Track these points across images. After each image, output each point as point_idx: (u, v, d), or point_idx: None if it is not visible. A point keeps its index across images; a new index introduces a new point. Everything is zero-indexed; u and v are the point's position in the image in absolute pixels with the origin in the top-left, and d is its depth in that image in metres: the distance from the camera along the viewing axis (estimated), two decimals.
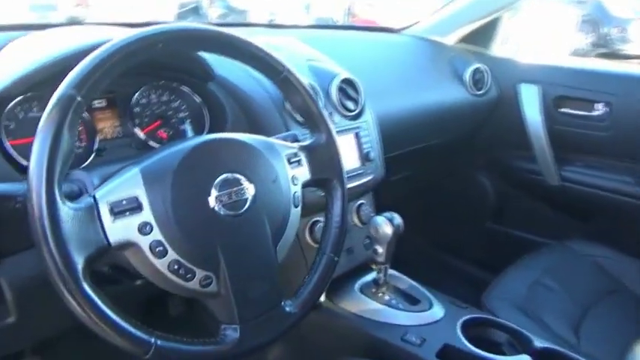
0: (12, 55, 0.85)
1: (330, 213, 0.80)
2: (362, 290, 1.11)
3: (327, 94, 1.12)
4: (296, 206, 0.74)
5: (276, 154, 0.73)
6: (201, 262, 0.62)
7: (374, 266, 1.10)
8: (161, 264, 0.60)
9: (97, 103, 0.92)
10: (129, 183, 0.60)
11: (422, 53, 1.73)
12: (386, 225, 1.01)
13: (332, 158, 0.80)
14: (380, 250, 1.04)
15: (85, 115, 0.89)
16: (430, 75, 1.65)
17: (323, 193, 0.83)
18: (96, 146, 0.90)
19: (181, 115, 1.03)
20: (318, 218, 1.11)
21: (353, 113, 1.16)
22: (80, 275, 0.53)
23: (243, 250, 0.65)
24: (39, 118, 0.87)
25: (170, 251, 0.60)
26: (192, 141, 0.65)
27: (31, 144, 0.86)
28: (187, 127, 1.00)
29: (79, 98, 0.55)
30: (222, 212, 0.63)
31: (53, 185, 0.52)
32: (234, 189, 0.65)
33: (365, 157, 1.17)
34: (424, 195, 2.01)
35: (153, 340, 0.58)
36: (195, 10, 6.33)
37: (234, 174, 0.66)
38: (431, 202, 2.05)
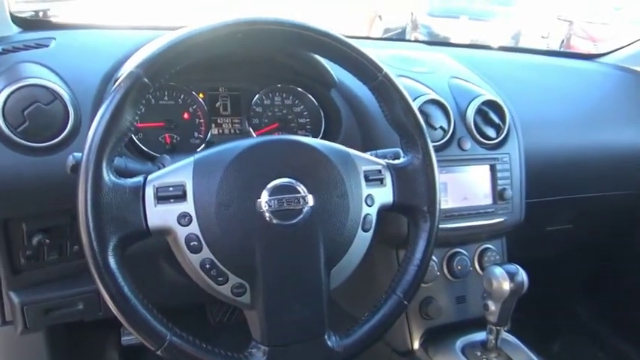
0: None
1: (411, 247, 0.68)
2: (464, 350, 0.93)
3: (463, 116, 0.98)
4: (366, 230, 0.63)
5: (351, 167, 0.64)
6: (236, 267, 0.57)
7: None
8: (194, 259, 0.57)
9: (221, 100, 0.96)
10: (180, 170, 0.58)
11: (617, 84, 1.42)
12: (503, 278, 0.83)
13: (425, 183, 0.67)
14: (492, 307, 0.86)
15: (207, 107, 0.93)
16: (623, 110, 1.34)
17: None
18: (208, 138, 0.92)
19: (301, 120, 1.01)
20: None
21: (492, 142, 0.99)
22: (109, 251, 0.53)
23: (285, 266, 0.58)
24: (169, 106, 0.97)
25: (205, 248, 0.56)
26: (254, 139, 0.61)
27: (155, 128, 0.96)
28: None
29: (145, 79, 0.56)
30: (269, 219, 0.57)
31: (103, 156, 0.53)
32: (289, 196, 0.58)
33: (499, 195, 0.99)
34: (592, 255, 1.64)
35: (168, 335, 0.55)
36: (401, 35, 6.44)
37: (291, 180, 0.59)
38: (602, 265, 1.66)
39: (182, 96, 0.92)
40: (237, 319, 1.39)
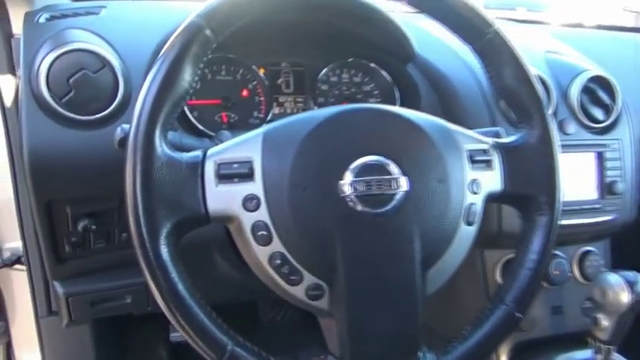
0: None
1: (524, 246, 0.54)
2: None
3: (565, 95, 0.83)
4: (469, 223, 0.51)
5: (452, 145, 0.51)
6: (312, 264, 0.46)
7: (591, 342, 0.76)
8: (262, 253, 0.46)
9: (283, 76, 0.85)
10: (247, 144, 0.48)
11: None
12: (620, 288, 0.68)
13: (544, 167, 0.54)
14: (605, 322, 0.71)
15: (268, 84, 0.83)
16: None
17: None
18: (269, 117, 0.82)
19: (371, 99, 0.89)
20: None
21: (600, 125, 0.84)
22: (162, 239, 0.43)
23: (373, 264, 0.47)
24: (226, 82, 0.88)
25: (275, 240, 0.46)
26: (335, 108, 0.50)
27: (211, 106, 0.87)
28: None
29: (207, 32, 0.46)
30: (355, 205, 0.46)
31: (156, 123, 0.44)
32: (378, 178, 0.47)
33: (607, 189, 0.83)
34: None
35: (229, 345, 0.45)
36: None
37: (382, 158, 0.47)
38: None
39: (241, 71, 0.83)
40: (290, 318, 1.29)
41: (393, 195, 0.47)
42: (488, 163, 0.53)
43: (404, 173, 0.48)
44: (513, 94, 0.55)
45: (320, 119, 0.48)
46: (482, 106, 0.78)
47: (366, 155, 0.47)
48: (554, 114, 0.81)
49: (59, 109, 0.60)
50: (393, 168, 0.48)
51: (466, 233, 0.51)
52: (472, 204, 0.51)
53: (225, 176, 0.46)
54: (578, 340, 0.84)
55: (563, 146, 0.81)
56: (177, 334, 1.09)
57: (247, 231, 0.46)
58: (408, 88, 0.85)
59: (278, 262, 0.46)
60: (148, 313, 0.80)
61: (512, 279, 0.54)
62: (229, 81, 0.83)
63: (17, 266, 0.93)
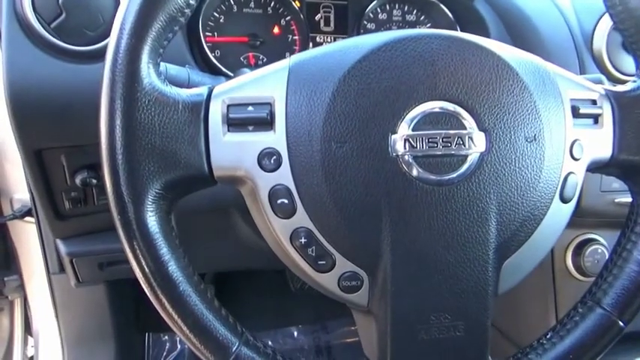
0: None
1: (634, 235, 0.41)
2: None
3: None
4: (565, 200, 0.37)
5: (551, 91, 0.37)
6: (348, 246, 0.34)
7: None
8: (282, 228, 0.35)
9: (322, 11, 0.72)
10: (266, 79, 0.35)
11: None
12: None
13: None
14: None
15: (304, 20, 0.69)
16: None
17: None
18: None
19: None
20: (596, 237, 0.69)
21: None
22: (148, 203, 0.32)
23: (432, 250, 0.35)
24: (255, 16, 0.75)
25: (300, 211, 0.34)
26: (387, 34, 0.36)
27: (236, 45, 0.74)
28: None
29: None
30: (410, 169, 0.33)
31: (142, 42, 0.32)
32: (446, 133, 0.34)
33: None
34: None
35: (237, 344, 0.34)
36: None
37: (451, 105, 0.34)
38: None
39: (272, 3, 0.69)
40: None
41: (465, 157, 0.34)
42: (596, 119, 0.39)
43: (481, 128, 0.35)
44: (638, 19, 0.39)
45: (367, 49, 0.35)
46: (570, 52, 0.63)
47: (429, 100, 0.34)
48: None
49: (47, 35, 0.49)
50: (467, 120, 0.34)
51: (560, 212, 0.38)
52: (571, 173, 0.37)
53: (236, 122, 0.34)
54: None
55: None
56: None
57: (264, 198, 0.34)
58: (474, 29, 0.70)
59: (303, 240, 0.34)
60: None
61: (615, 276, 0.40)
62: (259, 15, 0.70)
63: (28, 218, 0.86)
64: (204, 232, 0.68)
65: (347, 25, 0.72)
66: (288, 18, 0.70)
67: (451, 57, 0.35)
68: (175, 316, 0.33)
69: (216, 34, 0.68)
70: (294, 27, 0.71)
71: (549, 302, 0.70)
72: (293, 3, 0.70)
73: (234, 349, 0.34)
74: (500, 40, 0.67)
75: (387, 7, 0.73)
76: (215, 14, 0.68)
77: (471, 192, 0.34)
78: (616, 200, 0.64)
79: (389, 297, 0.34)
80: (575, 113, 0.38)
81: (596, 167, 0.40)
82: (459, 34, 0.37)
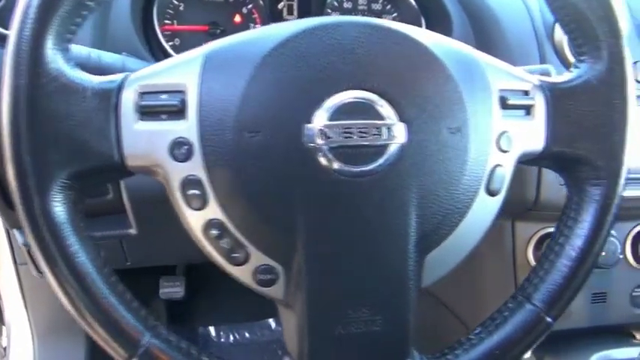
0: None
1: (567, 228, 0.40)
2: None
3: None
4: (492, 193, 0.36)
5: (477, 81, 0.36)
6: (262, 239, 0.34)
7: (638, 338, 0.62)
8: (195, 220, 0.34)
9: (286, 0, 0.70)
10: (181, 66, 0.34)
11: None
12: None
13: (607, 120, 0.38)
14: None
15: (266, 7, 0.68)
16: None
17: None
18: None
19: None
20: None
21: None
22: (53, 193, 0.32)
23: (348, 243, 0.34)
24: (216, 4, 0.73)
25: (212, 203, 0.33)
26: (306, 20, 0.35)
27: (196, 34, 0.73)
28: None
29: None
30: (326, 160, 0.33)
31: (47, 27, 0.31)
32: (364, 123, 0.33)
33: None
34: None
35: (147, 337, 0.33)
36: None
37: (371, 95, 0.33)
38: None
39: None
40: None
41: (383, 148, 0.33)
42: (527, 110, 0.38)
43: (401, 118, 0.34)
44: (575, 10, 0.38)
45: (283, 37, 0.34)
46: (531, 41, 0.61)
47: (347, 90, 0.33)
48: None
49: None
50: (387, 109, 0.33)
51: (486, 206, 0.37)
52: (498, 166, 0.37)
53: (148, 110, 0.33)
54: (623, 334, 0.71)
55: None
56: (168, 291, 1.02)
57: (175, 188, 0.33)
58: (437, 18, 0.68)
59: (215, 232, 0.33)
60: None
61: (547, 271, 0.40)
62: (220, 3, 0.69)
63: None
64: (169, 221, 0.67)
65: (310, 13, 0.71)
66: (250, 6, 0.69)
67: (372, 45, 0.34)
68: (82, 308, 0.33)
69: (175, 22, 0.67)
70: (255, 15, 0.69)
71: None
72: None
73: (143, 341, 0.33)
74: (461, 29, 0.67)
75: None
76: (175, 2, 0.67)
77: (390, 184, 0.34)
78: None
79: (304, 291, 0.34)
80: (504, 104, 0.37)
81: (528, 160, 0.39)
82: (382, 21, 0.36)
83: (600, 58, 0.38)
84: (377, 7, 0.73)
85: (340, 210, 0.33)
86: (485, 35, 0.64)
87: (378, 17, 0.72)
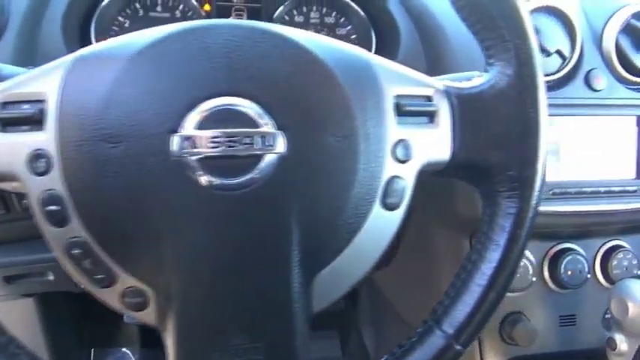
0: None
1: (479, 243, 0.36)
2: None
3: (597, 37, 0.62)
4: (389, 206, 0.33)
5: (367, 86, 0.33)
6: (128, 259, 0.31)
7: None
8: (54, 237, 0.31)
9: (235, 15, 0.69)
10: (45, 73, 0.32)
11: None
12: None
13: (518, 125, 0.35)
14: (622, 345, 0.53)
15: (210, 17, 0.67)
16: None
17: None
18: None
19: None
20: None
21: None
22: None
23: (223, 265, 0.31)
24: (162, 20, 0.72)
25: (74, 220, 0.31)
26: (176, 25, 0.33)
27: None
28: None
29: None
30: (194, 172, 0.30)
31: None
32: (236, 131, 0.30)
33: None
34: None
35: None
36: None
37: (244, 101, 0.31)
38: None
39: (181, 6, 0.67)
40: None
41: (258, 159, 0.31)
42: (430, 117, 0.35)
43: (279, 126, 0.31)
44: (480, 10, 0.35)
45: (150, 40, 0.32)
46: (477, 53, 0.59)
47: (219, 96, 0.31)
48: (579, 62, 0.60)
49: None
50: (262, 117, 0.31)
51: (383, 221, 0.34)
52: (395, 177, 0.33)
53: (9, 121, 0.31)
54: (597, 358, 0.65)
55: (589, 106, 0.61)
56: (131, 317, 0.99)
57: (35, 204, 0.31)
58: (386, 29, 0.66)
59: (77, 251, 0.31)
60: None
61: (458, 292, 0.36)
62: (166, 19, 0.67)
63: None
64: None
65: None
66: None
67: (247, 49, 0.32)
68: None
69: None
70: None
71: None
72: (200, 8, 0.67)
73: None
74: (410, 41, 0.65)
75: (303, 9, 0.70)
76: (120, 18, 0.66)
77: (267, 198, 0.31)
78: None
79: (175, 316, 0.31)
80: (400, 111, 0.34)
81: (434, 171, 0.36)
82: (259, 23, 0.34)
83: (509, 61, 0.35)
84: (330, 20, 0.71)
85: (211, 227, 0.31)
86: (433, 46, 0.62)
87: (332, 30, 0.71)
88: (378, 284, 0.91)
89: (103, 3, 0.63)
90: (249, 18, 0.70)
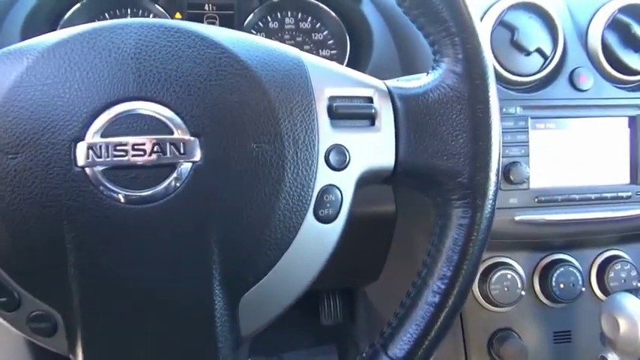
0: None
1: (429, 257, 0.33)
2: None
3: (581, 33, 0.58)
4: (323, 219, 0.30)
5: (296, 86, 0.30)
6: (33, 280, 0.29)
7: None
8: None
9: (206, 22, 0.67)
10: None
11: None
12: (636, 312, 0.46)
13: (465, 127, 0.32)
14: None
15: None
16: None
17: None
18: None
19: (324, 52, 0.68)
20: (505, 260, 0.60)
21: (636, 78, 0.58)
22: None
23: (132, 286, 0.28)
24: None
25: None
26: (83, 25, 0.30)
27: None
28: None
29: None
30: (98, 184, 0.27)
31: None
32: (144, 139, 0.28)
33: None
34: None
35: None
36: None
37: (155, 106, 0.28)
38: None
39: (151, 16, 0.66)
40: None
41: (170, 168, 0.28)
42: (370, 120, 0.32)
43: (193, 132, 0.28)
44: (424, 2, 0.32)
45: (52, 42, 0.29)
46: None
47: (127, 101, 0.28)
48: (563, 60, 0.57)
49: None
50: (174, 122, 0.28)
51: (317, 235, 0.30)
52: (329, 186, 0.30)
53: None
54: None
55: (574, 107, 0.57)
56: None
57: None
58: (360, 32, 0.64)
59: None
60: None
61: (406, 312, 0.32)
62: None
63: None
64: None
65: None
66: None
67: (158, 49, 0.29)
68: None
69: None
70: None
71: (457, 334, 0.61)
72: (170, 17, 0.66)
73: None
74: (383, 44, 0.62)
75: (278, 14, 0.68)
76: None
77: (182, 211, 0.28)
78: (516, 218, 0.56)
79: (81, 343, 0.28)
80: (334, 113, 0.31)
81: (376, 178, 0.33)
82: (172, 22, 0.31)
83: (455, 57, 0.32)
84: (305, 25, 0.69)
85: (119, 245, 0.28)
86: (406, 49, 0.59)
87: (308, 36, 0.68)
88: (370, 298, 0.88)
89: (70, 11, 0.62)
90: (222, 25, 0.68)
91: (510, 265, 0.60)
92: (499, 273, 0.59)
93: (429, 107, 0.32)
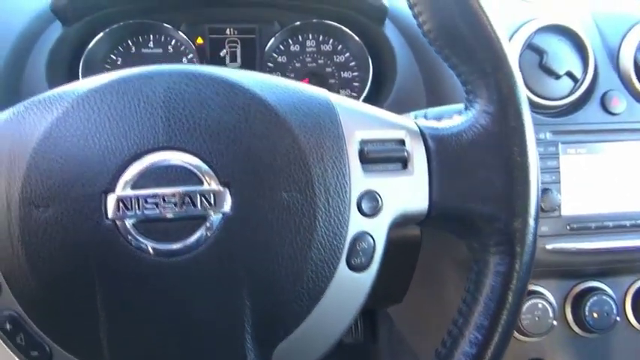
0: None
1: (465, 305, 0.32)
2: None
3: (613, 55, 0.57)
4: (356, 267, 0.29)
5: (327, 131, 0.29)
6: (63, 334, 0.28)
7: None
8: None
9: (228, 47, 0.67)
10: None
11: None
12: None
13: (503, 170, 0.30)
14: None
15: (209, 57, 0.66)
16: None
17: None
18: None
19: (345, 74, 0.68)
20: (537, 289, 0.58)
21: None
22: None
23: (164, 340, 0.28)
24: (155, 57, 0.71)
25: (5, 292, 0.28)
26: (108, 75, 0.30)
27: None
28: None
29: None
30: (129, 237, 0.27)
31: None
32: (176, 191, 0.27)
33: None
34: None
35: None
36: None
37: (186, 156, 0.28)
38: None
39: (173, 42, 0.66)
40: None
41: (201, 220, 0.27)
42: (402, 163, 0.31)
43: (223, 182, 0.28)
44: (454, 40, 0.31)
45: (85, 89, 0.29)
46: None
47: (157, 151, 0.28)
48: (594, 83, 0.55)
49: None
50: (204, 173, 0.28)
51: (350, 284, 0.30)
52: (362, 234, 0.30)
53: None
54: None
55: (606, 132, 0.55)
56: None
57: None
58: (383, 55, 0.63)
59: (8, 327, 0.28)
60: None
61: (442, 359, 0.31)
62: (158, 54, 0.66)
63: None
64: None
65: (256, 59, 0.68)
66: (190, 56, 0.66)
67: (188, 97, 0.29)
68: None
69: None
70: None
71: None
72: (192, 43, 0.66)
73: None
74: (408, 68, 0.61)
75: (299, 37, 0.68)
76: (112, 56, 0.65)
77: (212, 264, 0.27)
78: (548, 247, 0.54)
79: None
80: (365, 158, 0.30)
81: (412, 222, 0.32)
82: (202, 68, 0.31)
83: (490, 97, 0.31)
84: (327, 48, 0.69)
85: (151, 299, 0.27)
86: (432, 74, 0.58)
87: (329, 58, 0.68)
88: (392, 320, 0.87)
89: (94, 40, 0.63)
90: (243, 49, 0.68)
91: (541, 293, 0.58)
92: (530, 302, 0.57)
93: (463, 148, 0.31)
